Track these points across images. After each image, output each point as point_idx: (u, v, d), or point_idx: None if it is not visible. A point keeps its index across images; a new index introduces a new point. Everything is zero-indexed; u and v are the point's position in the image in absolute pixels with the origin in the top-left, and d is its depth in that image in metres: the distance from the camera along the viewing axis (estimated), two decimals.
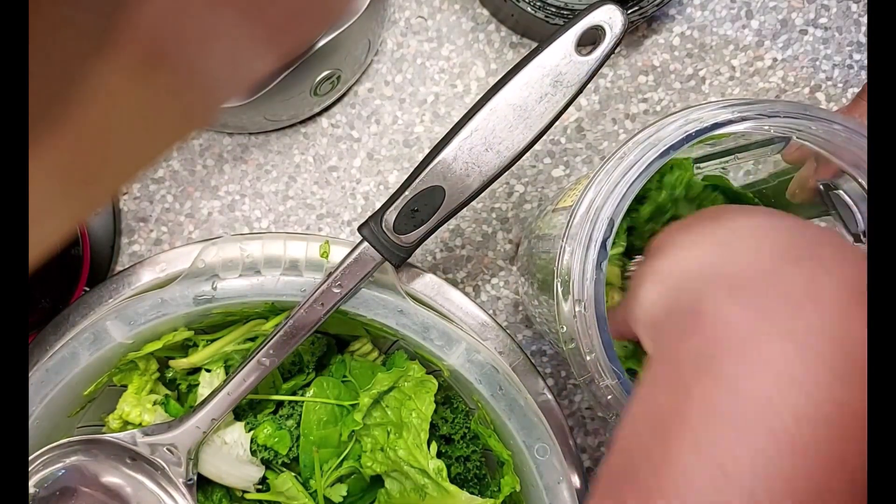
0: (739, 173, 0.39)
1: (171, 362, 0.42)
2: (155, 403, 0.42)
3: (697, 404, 0.21)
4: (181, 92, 0.16)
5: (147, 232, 0.49)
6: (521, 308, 0.49)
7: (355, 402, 0.41)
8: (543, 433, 0.38)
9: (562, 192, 0.40)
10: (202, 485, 0.41)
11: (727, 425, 0.20)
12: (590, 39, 0.32)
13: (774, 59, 0.48)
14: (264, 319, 0.42)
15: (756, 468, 0.19)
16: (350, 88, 0.48)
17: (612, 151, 0.31)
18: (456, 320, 0.40)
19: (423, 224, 0.35)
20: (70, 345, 0.38)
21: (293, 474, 0.41)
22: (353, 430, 0.41)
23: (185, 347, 0.43)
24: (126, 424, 0.41)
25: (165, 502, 0.39)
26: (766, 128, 0.29)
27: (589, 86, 0.41)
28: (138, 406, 0.41)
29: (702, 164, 0.38)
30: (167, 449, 0.39)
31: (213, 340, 0.42)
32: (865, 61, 0.48)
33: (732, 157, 0.37)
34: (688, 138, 0.29)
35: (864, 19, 0.48)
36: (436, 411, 0.40)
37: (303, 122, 0.49)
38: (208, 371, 0.42)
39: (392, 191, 0.36)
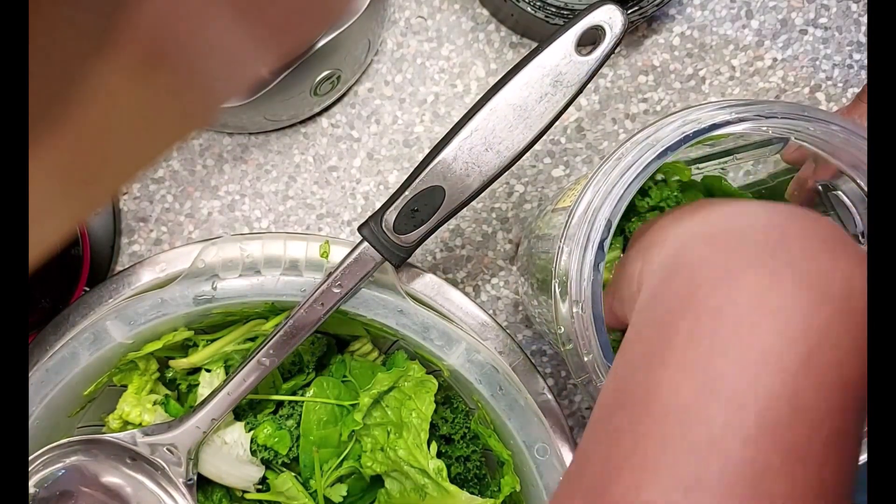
0: (739, 173, 0.39)
1: (171, 362, 0.42)
2: (155, 403, 0.42)
3: (684, 334, 0.22)
4: (181, 92, 0.16)
5: (147, 232, 0.49)
6: (521, 308, 0.49)
7: (355, 402, 0.41)
8: (543, 433, 0.38)
9: (561, 192, 0.40)
10: (202, 485, 0.41)
11: (713, 349, 0.21)
12: (590, 39, 0.32)
13: (774, 59, 0.48)
14: (264, 319, 0.42)
15: (742, 385, 0.20)
16: (350, 88, 0.48)
17: (611, 152, 0.31)
18: (456, 320, 0.40)
19: (423, 224, 0.35)
20: (70, 345, 0.38)
21: (293, 474, 0.41)
22: (353, 430, 0.41)
23: (185, 347, 0.43)
24: (126, 424, 0.41)
25: (165, 502, 0.39)
26: (765, 129, 0.29)
27: (589, 86, 0.41)
28: (138, 406, 0.41)
29: (701, 165, 0.38)
30: (167, 449, 0.39)
31: (213, 340, 0.42)
32: (865, 61, 0.48)
33: (731, 157, 0.37)
34: (686, 139, 0.29)
35: (864, 19, 0.48)
36: (436, 411, 0.40)
37: (303, 122, 0.49)
38: (208, 371, 0.42)
39: (392, 191, 0.36)
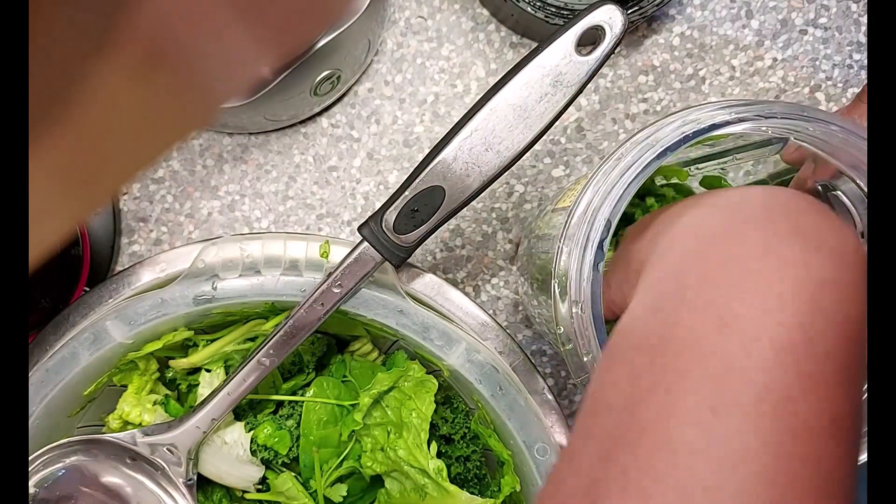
0: (739, 174, 0.39)
1: (171, 362, 0.42)
2: (155, 403, 0.42)
3: (694, 284, 0.23)
4: (181, 92, 0.16)
5: (147, 232, 0.49)
6: (521, 308, 0.49)
7: (355, 402, 0.41)
8: (543, 433, 0.38)
9: (561, 192, 0.40)
10: (202, 485, 0.41)
11: (724, 293, 0.22)
12: (590, 39, 0.32)
13: (774, 59, 0.48)
14: (264, 319, 0.42)
15: (755, 321, 0.21)
16: (350, 88, 0.48)
17: (611, 152, 0.31)
18: (456, 320, 0.40)
19: (423, 224, 0.35)
20: (70, 345, 0.38)
21: (293, 474, 0.41)
22: (353, 430, 0.41)
23: (185, 347, 0.43)
24: (126, 424, 0.41)
25: (165, 502, 0.39)
26: (764, 129, 0.29)
27: (589, 86, 0.41)
28: (138, 406, 0.41)
29: (701, 165, 0.38)
30: (167, 449, 0.39)
31: (213, 340, 0.42)
32: (865, 61, 0.48)
33: (731, 157, 0.37)
34: (685, 139, 0.29)
35: (864, 19, 0.48)
36: (436, 411, 0.40)
37: (303, 122, 0.49)
38: (208, 371, 0.42)
39: (392, 191, 0.36)
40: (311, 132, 0.49)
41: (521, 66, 0.33)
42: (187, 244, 0.40)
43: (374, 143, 0.49)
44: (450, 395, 0.43)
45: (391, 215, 0.35)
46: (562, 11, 0.43)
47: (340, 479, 0.42)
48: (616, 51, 0.45)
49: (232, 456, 0.41)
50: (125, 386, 0.42)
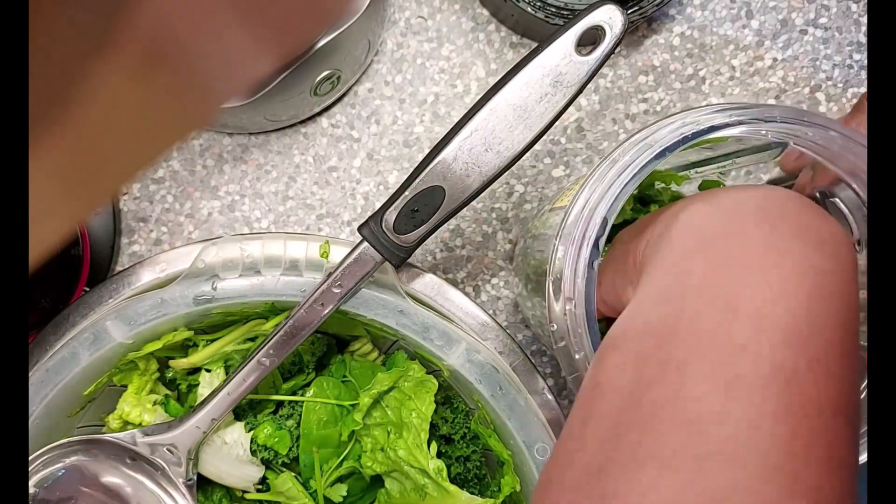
0: (738, 179, 0.39)
1: (171, 362, 0.42)
2: (155, 403, 0.42)
3: (698, 276, 0.23)
4: (181, 92, 0.16)
5: (147, 232, 0.49)
6: (520, 308, 0.49)
7: (355, 402, 0.41)
8: (543, 433, 0.38)
9: (560, 192, 0.40)
10: (202, 485, 0.41)
11: (728, 286, 0.22)
12: (590, 39, 0.32)
13: (774, 59, 0.48)
14: (264, 319, 0.42)
15: (761, 307, 0.21)
16: (350, 88, 0.48)
17: (609, 152, 0.31)
18: (456, 320, 0.40)
19: (423, 224, 0.35)
20: (70, 345, 0.38)
21: (293, 474, 0.41)
22: (353, 430, 0.41)
23: (185, 347, 0.43)
24: (126, 424, 0.41)
25: (165, 502, 0.39)
26: (764, 132, 0.29)
27: (589, 86, 0.41)
28: (138, 406, 0.41)
29: (700, 168, 0.38)
30: (167, 449, 0.39)
31: (213, 340, 0.42)
32: (865, 61, 0.48)
33: (731, 161, 0.37)
34: (684, 140, 0.29)
35: (864, 19, 0.48)
36: (436, 411, 0.40)
37: (303, 122, 0.49)
38: (208, 371, 0.42)
39: (392, 191, 0.36)
40: (311, 132, 0.49)
41: (521, 66, 0.33)
42: (187, 244, 0.40)
43: (374, 143, 0.49)
44: (450, 395, 0.43)
45: (391, 215, 0.35)
46: (562, 11, 0.43)
47: (340, 479, 0.42)
48: (616, 51, 0.45)
49: (232, 456, 0.41)
50: (125, 386, 0.42)
